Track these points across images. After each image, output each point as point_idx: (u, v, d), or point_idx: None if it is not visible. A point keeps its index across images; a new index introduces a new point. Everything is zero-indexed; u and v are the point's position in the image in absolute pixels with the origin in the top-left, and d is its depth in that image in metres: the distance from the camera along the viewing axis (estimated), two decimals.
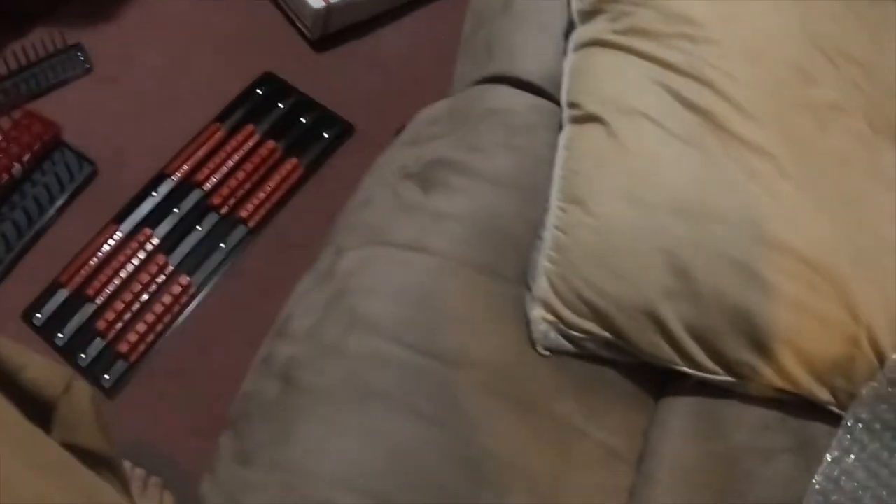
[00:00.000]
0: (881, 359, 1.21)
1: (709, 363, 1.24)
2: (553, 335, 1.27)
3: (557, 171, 1.32)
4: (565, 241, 1.27)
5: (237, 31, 2.40)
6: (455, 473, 1.18)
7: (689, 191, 1.23)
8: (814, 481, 1.19)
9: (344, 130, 2.27)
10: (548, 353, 1.28)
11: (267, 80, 2.33)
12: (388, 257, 1.33)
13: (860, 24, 1.37)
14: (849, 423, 1.21)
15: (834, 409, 1.24)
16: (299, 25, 2.38)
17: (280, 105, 2.29)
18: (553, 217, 1.29)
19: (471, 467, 1.18)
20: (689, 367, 1.25)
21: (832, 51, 1.33)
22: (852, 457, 1.19)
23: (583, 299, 1.25)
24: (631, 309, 1.23)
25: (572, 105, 1.36)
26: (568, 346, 1.28)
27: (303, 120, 2.27)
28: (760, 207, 1.22)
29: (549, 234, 1.29)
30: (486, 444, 1.20)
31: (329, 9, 2.26)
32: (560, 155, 1.33)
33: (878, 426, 1.20)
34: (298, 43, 2.39)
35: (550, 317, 1.27)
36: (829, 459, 1.20)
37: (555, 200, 1.30)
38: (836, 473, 1.19)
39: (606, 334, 1.25)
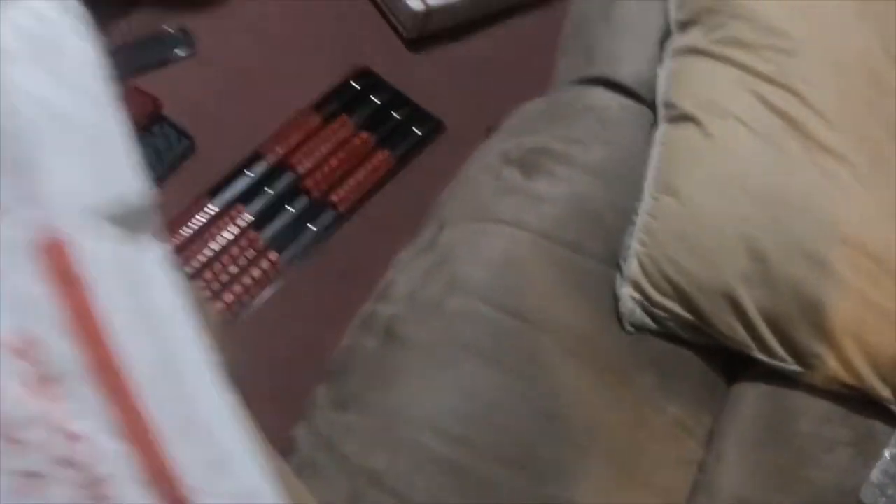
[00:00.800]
0: None
1: (779, 350, 1.31)
2: (639, 312, 1.36)
3: (653, 164, 1.41)
4: (656, 226, 1.36)
5: (336, 26, 2.48)
6: (540, 428, 1.27)
7: (772, 186, 1.33)
8: (871, 475, 1.26)
9: (435, 127, 2.34)
10: (633, 329, 1.36)
11: (363, 74, 2.40)
12: (488, 231, 1.42)
13: None
14: None
15: (894, 408, 1.31)
16: (396, 24, 2.46)
17: (374, 99, 2.36)
18: (646, 204, 1.38)
19: (554, 424, 1.27)
20: (761, 353, 1.33)
21: None
22: None
23: (668, 279, 1.33)
24: (711, 290, 1.31)
25: (669, 105, 1.45)
26: (652, 324, 1.37)
27: (396, 115, 2.34)
28: (835, 206, 1.31)
29: (641, 219, 1.38)
30: (569, 403, 1.29)
31: (427, 11, 2.35)
32: (656, 150, 1.43)
33: None
34: (394, 41, 2.47)
35: (638, 295, 1.36)
36: (888, 457, 1.27)
37: (649, 189, 1.39)
38: (893, 469, 1.26)
39: (688, 315, 1.34)
